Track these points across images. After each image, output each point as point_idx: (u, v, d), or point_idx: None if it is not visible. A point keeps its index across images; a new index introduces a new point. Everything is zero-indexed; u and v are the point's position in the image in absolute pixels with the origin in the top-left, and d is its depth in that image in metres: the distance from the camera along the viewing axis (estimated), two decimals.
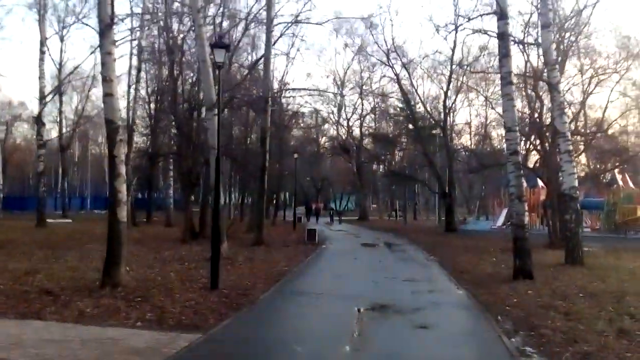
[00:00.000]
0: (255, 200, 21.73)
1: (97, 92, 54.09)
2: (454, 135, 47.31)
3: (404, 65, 39.34)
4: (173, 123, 25.44)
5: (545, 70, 16.76)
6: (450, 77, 37.36)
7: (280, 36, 25.59)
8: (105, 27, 9.84)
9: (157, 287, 10.54)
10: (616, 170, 34.98)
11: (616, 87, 28.96)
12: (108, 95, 9.98)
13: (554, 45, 15.54)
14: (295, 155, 33.57)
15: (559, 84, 15.50)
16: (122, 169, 10.32)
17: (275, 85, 41.85)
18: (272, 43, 24.54)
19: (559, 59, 17.01)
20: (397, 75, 40.04)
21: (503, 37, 12.84)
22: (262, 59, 22.13)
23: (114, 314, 8.14)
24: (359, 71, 54.20)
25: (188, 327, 7.60)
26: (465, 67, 34.10)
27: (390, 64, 39.45)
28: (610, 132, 31.49)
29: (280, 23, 22.13)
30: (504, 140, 49.33)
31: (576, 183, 15.28)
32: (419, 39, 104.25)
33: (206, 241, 22.05)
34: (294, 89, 27.28)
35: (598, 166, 38.54)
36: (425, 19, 73.91)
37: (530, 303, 9.54)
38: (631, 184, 36.34)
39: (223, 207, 16.02)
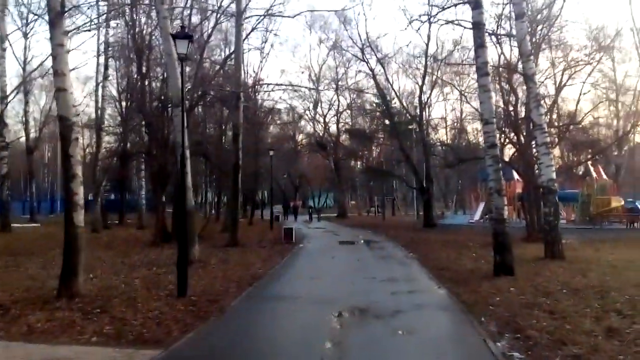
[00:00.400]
0: (229, 199, 21.05)
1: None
2: (430, 130, 47.25)
3: (378, 60, 39.02)
4: (143, 122, 24.67)
5: (520, 62, 16.43)
6: (425, 71, 37.10)
7: (252, 30, 24.89)
8: (56, 16, 9.13)
9: (119, 296, 9.89)
10: (589, 162, 35.15)
11: (588, 79, 29.10)
12: (60, 90, 9.29)
13: (528, 36, 15.18)
14: (271, 153, 32.92)
15: (534, 75, 15.20)
16: (79, 170, 9.60)
17: (250, 82, 41.52)
18: (244, 37, 23.93)
19: (532, 51, 16.63)
20: (372, 70, 39.68)
21: (478, 26, 12.42)
22: (233, 54, 21.40)
23: (67, 328, 7.49)
24: (334, 67, 53.84)
25: (148, 341, 7.00)
26: (440, 61, 33.88)
27: (365, 59, 39.10)
28: (583, 124, 31.59)
29: (251, 16, 21.44)
30: (480, 134, 49.40)
31: (554, 175, 15.01)
32: (393, 34, 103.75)
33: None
34: (268, 84, 26.50)
35: (572, 158, 38.80)
36: (399, 12, 73.16)
37: (513, 301, 9.14)
38: (604, 176, 36.49)
39: (193, 208, 15.33)
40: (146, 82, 23.51)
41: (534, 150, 15.54)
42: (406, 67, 41.75)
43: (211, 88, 23.23)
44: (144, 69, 22.94)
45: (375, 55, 38.82)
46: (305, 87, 40.78)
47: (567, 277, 11.54)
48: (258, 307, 9.49)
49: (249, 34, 25.06)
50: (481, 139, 53.42)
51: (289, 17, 21.56)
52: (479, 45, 12.34)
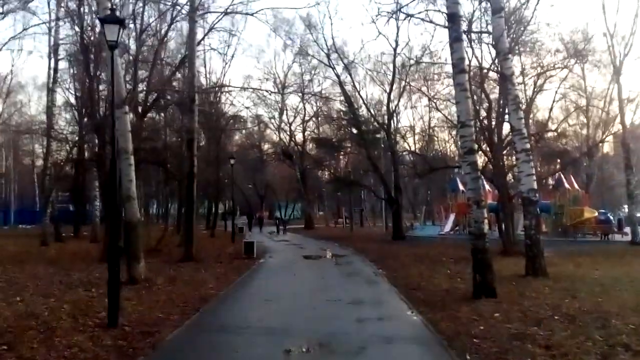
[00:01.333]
0: (184, 210, 19.39)
1: (24, 99, 50.67)
2: (398, 138, 46.33)
3: (345, 66, 37.82)
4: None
5: (497, 61, 15.30)
6: (393, 77, 36.01)
7: (210, 30, 23.37)
8: None
9: (37, 328, 8.22)
10: (561, 173, 34.57)
11: (560, 87, 28.37)
12: None
13: (505, 33, 14.03)
14: (232, 161, 31.24)
15: (513, 75, 14.05)
16: None
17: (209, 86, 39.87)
18: (202, 37, 22.41)
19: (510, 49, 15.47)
20: (338, 76, 38.51)
21: (453, 18, 11.16)
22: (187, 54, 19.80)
23: None
24: (300, 74, 52.53)
25: None
26: (410, 65, 32.78)
27: (331, 65, 37.82)
28: (553, 133, 30.92)
29: (205, 12, 19.85)
30: (450, 143, 48.60)
31: (535, 185, 13.83)
32: (360, 39, 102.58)
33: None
34: (227, 87, 24.84)
35: (540, 169, 38.21)
36: (366, 16, 71.88)
37: (500, 332, 7.76)
38: (576, 186, 35.98)
39: (137, 220, 13.67)
40: (95, 84, 21.74)
41: (513, 157, 14.26)
42: (374, 74, 40.63)
43: (165, 90, 21.62)
44: (92, 70, 21.18)
45: (342, 60, 37.72)
46: (268, 91, 38.99)
47: (556, 298, 10.28)
48: (197, 341, 7.91)
49: (207, 33, 23.52)
50: (452, 148, 53.06)
51: (247, 14, 20.04)
52: (455, 39, 11.07)
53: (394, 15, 14.87)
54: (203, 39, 24.08)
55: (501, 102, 20.82)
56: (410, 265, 17.22)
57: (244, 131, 66.90)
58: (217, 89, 25.16)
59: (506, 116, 16.57)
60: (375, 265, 17.81)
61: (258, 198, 72.29)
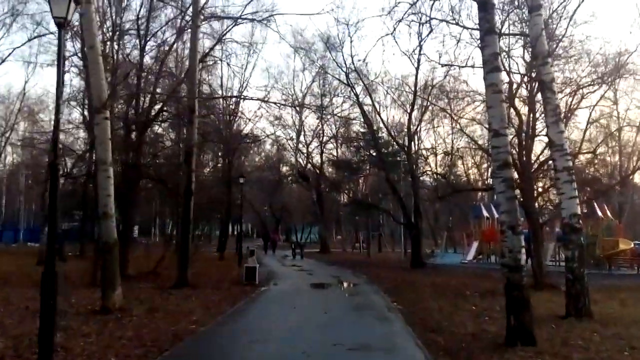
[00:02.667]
0: (179, 231, 17.63)
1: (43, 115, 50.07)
2: (419, 162, 44.44)
3: (365, 86, 36.06)
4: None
5: (534, 66, 13.38)
6: (414, 97, 34.12)
7: (219, 40, 21.97)
8: None
9: None
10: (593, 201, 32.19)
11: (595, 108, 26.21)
12: None
13: (544, 33, 12.11)
14: (241, 180, 29.53)
15: (553, 82, 12.08)
16: None
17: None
18: (212, 46, 20.97)
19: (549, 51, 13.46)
20: (357, 96, 36.62)
21: (485, 6, 9.33)
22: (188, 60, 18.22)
23: None
24: (320, 94, 51.06)
25: None
26: (431, 84, 30.99)
27: (350, 84, 35.99)
28: (587, 156, 28.65)
29: (210, 18, 18.34)
30: (471, 170, 46.38)
31: (578, 210, 11.77)
32: (381, 60, 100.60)
33: (126, 282, 17.90)
34: (231, 97, 23.09)
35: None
36: (383, 24, 70.19)
37: None
38: (610, 215, 33.51)
39: (114, 241, 11.90)
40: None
41: (555, 176, 12.22)
42: (394, 93, 38.84)
43: (168, 101, 20.10)
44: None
45: (362, 80, 35.95)
46: (279, 103, 37.31)
47: (611, 349, 8.23)
48: None
49: (216, 43, 22.20)
50: (475, 172, 50.83)
51: (254, 20, 18.53)
52: (487, 31, 9.23)
53: (409, 17, 12.95)
54: (212, 49, 22.74)
55: (531, 116, 18.87)
56: (429, 299, 15.14)
57: (262, 153, 66.05)
58: (220, 99, 23.52)
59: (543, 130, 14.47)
60: (389, 297, 15.75)
61: (274, 221, 70.50)
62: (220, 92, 36.99)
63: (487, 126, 29.72)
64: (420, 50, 30.85)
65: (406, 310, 12.98)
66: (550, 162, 26.65)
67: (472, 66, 13.75)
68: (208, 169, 45.75)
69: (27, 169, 56.36)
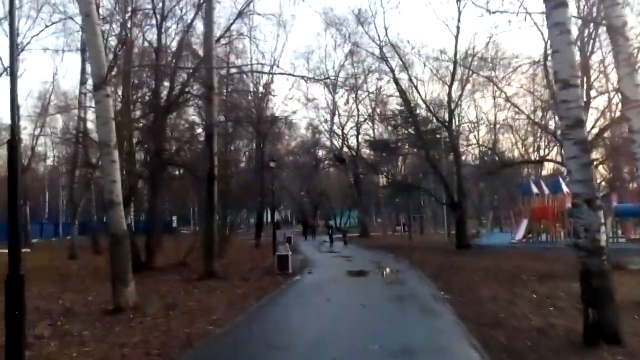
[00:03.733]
0: (204, 219, 16.35)
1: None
2: (461, 137, 42.36)
3: (400, 59, 34.09)
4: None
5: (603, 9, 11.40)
6: (454, 68, 31.99)
7: (240, 14, 20.52)
8: None
9: None
10: None
11: None
12: None
13: None
14: (272, 164, 28.14)
15: (625, 26, 10.13)
16: None
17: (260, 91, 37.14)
18: (232, 21, 19.52)
19: None
20: (392, 70, 34.62)
21: None
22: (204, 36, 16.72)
23: None
24: (353, 74, 49.17)
25: None
26: (472, 53, 28.84)
27: (385, 57, 34.01)
28: None
29: None
30: (515, 146, 43.83)
31: None
32: (416, 30, 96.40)
33: (150, 275, 16.89)
34: (254, 72, 21.36)
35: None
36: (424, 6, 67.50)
37: None
38: None
39: (124, 233, 10.63)
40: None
41: (630, 141, 10.26)
42: (432, 65, 36.65)
43: (189, 78, 18.81)
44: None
45: (397, 52, 33.94)
46: (318, 79, 35.61)
47: None
48: None
49: (237, 18, 20.74)
50: (558, 113, 48.43)
51: None
52: None
53: None
54: (234, 22, 21.29)
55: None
56: (481, 285, 13.45)
57: (298, 138, 64.59)
58: (242, 73, 21.88)
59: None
60: (435, 285, 14.12)
61: (312, 206, 69.23)
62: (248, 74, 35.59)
63: (536, 94, 27.59)
64: (459, 16, 29.05)
65: (455, 300, 11.35)
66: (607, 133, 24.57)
67: (527, 11, 11.75)
68: (243, 157, 44.77)
69: (67, 163, 56.68)
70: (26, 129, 37.97)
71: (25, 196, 41.29)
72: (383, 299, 11.91)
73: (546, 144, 46.80)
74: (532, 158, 45.27)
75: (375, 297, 12.16)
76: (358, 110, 51.17)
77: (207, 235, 15.96)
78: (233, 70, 22.67)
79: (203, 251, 16.16)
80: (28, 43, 25.35)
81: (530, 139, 49.90)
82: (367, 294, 12.76)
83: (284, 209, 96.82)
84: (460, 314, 9.73)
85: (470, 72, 32.36)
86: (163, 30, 20.44)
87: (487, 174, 31.19)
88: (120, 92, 19.05)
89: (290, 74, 17.75)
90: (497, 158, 30.58)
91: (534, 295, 11.53)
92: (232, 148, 42.13)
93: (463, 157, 44.05)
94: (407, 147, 45.92)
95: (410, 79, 35.20)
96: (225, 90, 28.07)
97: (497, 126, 49.34)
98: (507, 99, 27.43)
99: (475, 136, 44.26)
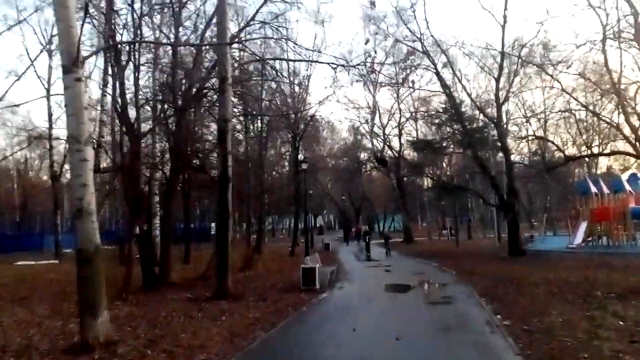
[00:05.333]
0: (217, 228, 14.15)
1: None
2: (509, 136, 39.32)
3: (443, 52, 31.42)
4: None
5: None
6: (502, 60, 29.14)
7: (265, 3, 18.42)
8: None
9: None
10: None
11: None
12: None
13: None
14: (304, 166, 25.97)
15: None
16: None
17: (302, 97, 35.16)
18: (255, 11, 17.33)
19: None
20: (435, 64, 31.91)
21: None
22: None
23: None
24: (395, 73, 46.63)
25: None
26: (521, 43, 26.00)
27: (426, 51, 31.30)
28: None
29: None
30: (568, 142, 40.25)
31: None
32: (459, 22, 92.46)
33: (161, 294, 14.96)
34: (276, 59, 18.75)
35: None
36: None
37: None
38: None
39: (95, 249, 8.53)
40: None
41: None
42: (477, 58, 33.91)
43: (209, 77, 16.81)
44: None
45: (439, 46, 31.27)
46: (346, 65, 33.33)
47: None
48: None
49: (261, 7, 18.65)
50: (569, 145, 44.64)
51: None
52: None
53: None
54: (257, 13, 19.19)
55: None
56: (547, 306, 10.81)
57: (340, 142, 62.42)
58: (261, 61, 19.49)
59: None
60: (489, 305, 11.53)
61: (354, 211, 66.78)
62: (286, 75, 33.47)
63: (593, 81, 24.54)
64: (506, 3, 26.43)
65: (518, 330, 8.77)
66: None
67: None
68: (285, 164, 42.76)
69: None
70: None
71: (55, 204, 40.38)
72: (423, 327, 9.41)
73: (601, 139, 43.10)
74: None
75: (414, 325, 9.67)
76: (400, 110, 48.64)
77: (220, 247, 13.79)
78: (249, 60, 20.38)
79: (216, 267, 13.99)
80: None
81: (585, 136, 46.35)
82: (404, 320, 10.28)
83: (327, 214, 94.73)
84: (528, 355, 7.20)
85: (520, 62, 29.52)
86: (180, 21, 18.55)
87: (547, 170, 28.05)
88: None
89: (339, 64, 15.29)
90: (547, 155, 27.53)
91: (621, 322, 8.89)
92: (272, 152, 40.66)
93: (512, 157, 41.01)
94: (452, 146, 43.08)
95: (454, 73, 32.58)
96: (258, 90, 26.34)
97: (548, 122, 46.03)
98: (563, 89, 24.44)
99: (526, 130, 40.68)
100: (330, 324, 10.10)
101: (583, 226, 32.05)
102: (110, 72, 17.60)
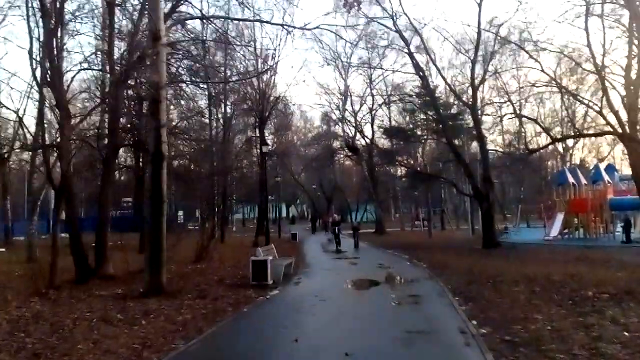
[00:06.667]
0: (149, 215, 12.01)
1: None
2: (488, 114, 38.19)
3: (416, 30, 29.56)
4: None
5: None
6: (478, 40, 27.50)
7: None
8: None
9: None
10: None
11: None
12: None
13: None
14: (265, 149, 23.99)
15: None
16: None
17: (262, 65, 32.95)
18: None
19: None
20: (408, 45, 30.08)
21: None
22: None
23: None
24: (367, 58, 44.79)
25: None
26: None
27: (398, 29, 29.41)
28: None
29: None
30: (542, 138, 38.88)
31: None
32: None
33: (89, 289, 12.96)
34: (213, 17, 16.20)
35: None
36: None
37: None
38: None
39: None
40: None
41: None
42: (450, 36, 32.29)
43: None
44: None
45: (412, 25, 29.47)
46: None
47: None
48: None
49: None
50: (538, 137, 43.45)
51: None
52: None
53: None
54: None
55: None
56: (532, 309, 9.13)
57: (314, 131, 60.21)
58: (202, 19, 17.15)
59: None
60: (463, 306, 9.79)
61: (326, 201, 64.87)
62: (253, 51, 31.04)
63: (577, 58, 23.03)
64: None
65: (499, 341, 7.03)
66: None
67: None
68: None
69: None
70: None
71: (3, 189, 37.61)
72: (383, 338, 7.55)
73: (582, 122, 41.80)
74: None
75: (372, 334, 7.83)
76: (373, 96, 46.85)
77: (153, 237, 11.79)
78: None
79: (147, 259, 11.97)
80: None
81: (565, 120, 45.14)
82: (361, 327, 8.45)
83: (301, 204, 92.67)
84: None
85: (498, 42, 27.94)
86: None
87: (529, 152, 26.50)
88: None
89: (266, 22, 13.10)
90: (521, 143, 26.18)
91: (626, 333, 7.20)
92: (241, 138, 38.48)
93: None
94: (425, 133, 41.57)
95: (427, 53, 30.79)
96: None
97: (524, 109, 44.68)
98: (542, 70, 22.84)
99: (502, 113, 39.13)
100: (269, 331, 8.22)
101: (560, 218, 30.83)
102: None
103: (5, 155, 36.27)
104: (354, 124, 48.25)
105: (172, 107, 23.87)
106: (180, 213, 55.02)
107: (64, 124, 14.11)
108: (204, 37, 17.30)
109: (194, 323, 8.81)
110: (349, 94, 47.73)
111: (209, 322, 8.93)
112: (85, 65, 15.89)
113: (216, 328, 8.49)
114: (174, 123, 23.40)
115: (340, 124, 50.07)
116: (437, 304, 10.33)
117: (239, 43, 20.59)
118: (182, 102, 20.08)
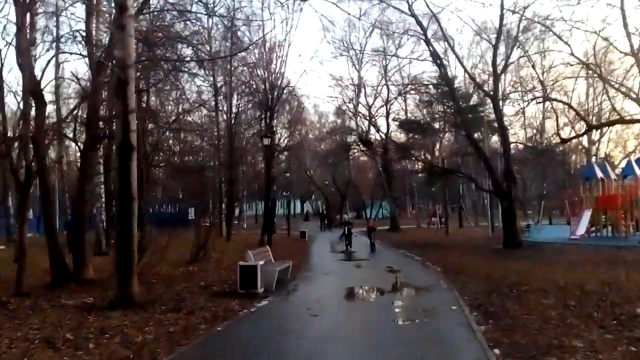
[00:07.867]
0: (119, 214, 10.41)
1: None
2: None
3: (434, 15, 27.65)
4: None
5: None
6: (500, 25, 25.54)
7: None
8: None
9: None
10: None
11: None
12: None
13: None
14: (266, 141, 22.34)
15: None
16: None
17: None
18: None
19: None
20: (424, 30, 28.17)
21: None
22: None
23: None
24: (382, 48, 43.08)
25: None
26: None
27: (414, 14, 27.52)
28: None
29: None
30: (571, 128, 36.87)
31: None
32: None
33: (57, 296, 11.50)
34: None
35: None
36: None
37: None
38: None
39: None
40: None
41: None
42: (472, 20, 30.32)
43: None
44: None
45: (428, 7, 27.67)
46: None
47: None
48: None
49: None
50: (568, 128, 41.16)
51: None
52: None
53: None
54: None
55: None
56: (568, 331, 7.39)
57: (329, 125, 58.43)
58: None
59: None
60: (483, 327, 8.07)
61: (340, 197, 63.08)
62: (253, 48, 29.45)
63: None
64: None
65: None
66: None
67: None
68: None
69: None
70: None
71: (4, 185, 36.59)
72: None
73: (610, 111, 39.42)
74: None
75: None
76: (388, 88, 45.04)
77: (122, 239, 10.20)
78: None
79: (115, 266, 10.41)
80: None
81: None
82: (352, 357, 6.79)
83: (315, 200, 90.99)
84: None
85: (524, 20, 25.84)
86: None
87: (562, 142, 24.57)
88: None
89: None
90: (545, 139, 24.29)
91: None
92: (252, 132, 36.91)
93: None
94: (443, 126, 39.63)
95: (445, 39, 28.85)
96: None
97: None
98: (572, 54, 20.95)
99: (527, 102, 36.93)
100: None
101: (587, 215, 28.77)
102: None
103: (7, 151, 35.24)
104: (367, 118, 46.52)
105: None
106: (192, 210, 53.69)
107: (38, 113, 12.65)
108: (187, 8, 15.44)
109: (153, 347, 7.21)
110: (363, 85, 46.00)
111: (171, 345, 7.30)
112: (65, 48, 14.41)
113: (175, 355, 6.86)
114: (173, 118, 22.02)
115: (353, 117, 48.35)
116: (450, 322, 8.58)
117: (223, 15, 18.76)
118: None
